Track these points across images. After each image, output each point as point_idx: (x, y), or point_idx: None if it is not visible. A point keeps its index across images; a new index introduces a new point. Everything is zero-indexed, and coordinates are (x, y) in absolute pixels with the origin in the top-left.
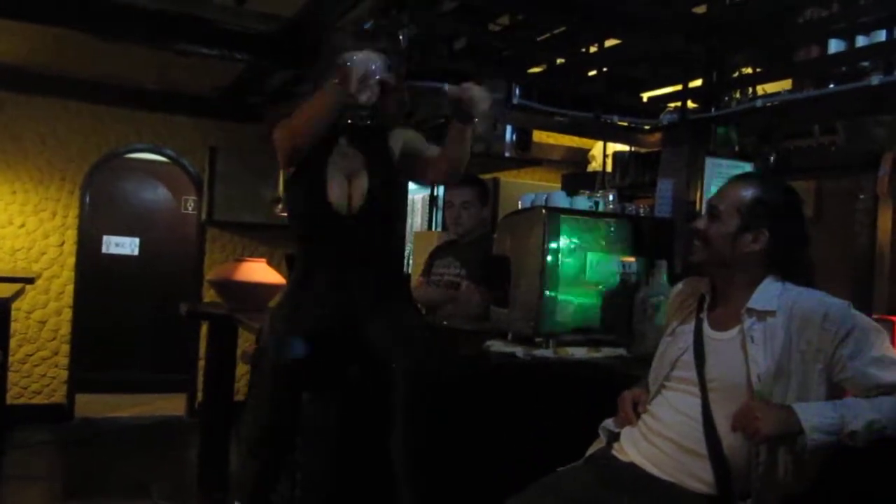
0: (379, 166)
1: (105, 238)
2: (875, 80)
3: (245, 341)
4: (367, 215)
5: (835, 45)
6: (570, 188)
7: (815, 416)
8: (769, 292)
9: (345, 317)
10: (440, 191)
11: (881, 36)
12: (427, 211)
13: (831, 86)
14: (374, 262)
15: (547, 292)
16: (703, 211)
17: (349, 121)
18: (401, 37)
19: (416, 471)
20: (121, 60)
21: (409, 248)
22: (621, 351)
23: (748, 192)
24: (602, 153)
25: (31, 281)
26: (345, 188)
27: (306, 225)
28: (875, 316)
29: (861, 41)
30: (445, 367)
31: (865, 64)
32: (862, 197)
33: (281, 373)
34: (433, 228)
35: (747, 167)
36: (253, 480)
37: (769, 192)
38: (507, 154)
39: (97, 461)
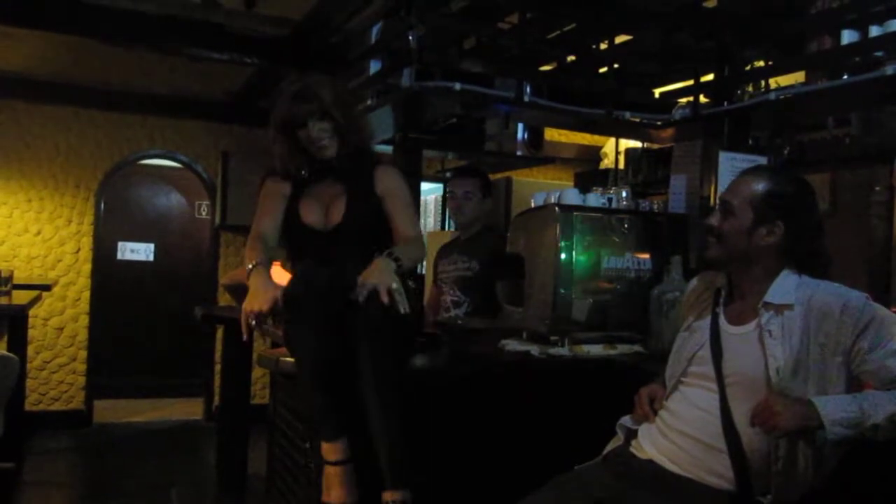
0: (359, 196)
1: (120, 244)
2: (889, 69)
3: (260, 344)
4: (345, 231)
5: (848, 36)
6: (583, 186)
7: (834, 409)
8: (786, 286)
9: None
10: None
11: (894, 26)
12: (440, 211)
13: (845, 77)
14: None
15: (561, 290)
16: (716, 206)
17: (334, 163)
18: (410, 38)
19: (382, 386)
20: (132, 67)
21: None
22: (637, 348)
23: (760, 186)
24: (614, 150)
25: (47, 288)
26: (321, 211)
27: (289, 242)
28: (893, 308)
29: (875, 31)
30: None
31: (879, 54)
32: (877, 189)
33: (317, 298)
34: (446, 228)
35: (761, 161)
36: (324, 412)
37: (781, 184)
38: (519, 153)
39: (116, 466)
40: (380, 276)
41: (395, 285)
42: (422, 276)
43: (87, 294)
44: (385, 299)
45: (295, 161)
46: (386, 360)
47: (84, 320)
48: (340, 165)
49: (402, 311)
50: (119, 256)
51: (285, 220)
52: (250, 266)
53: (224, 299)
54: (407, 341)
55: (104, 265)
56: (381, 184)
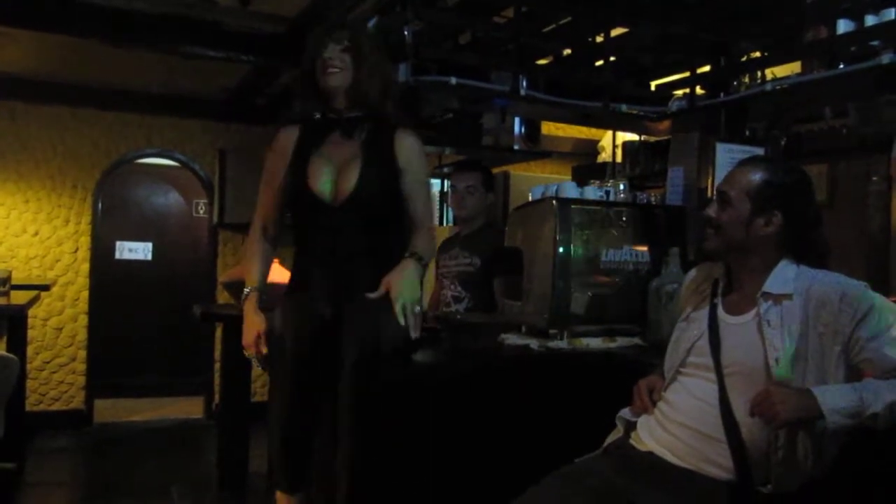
0: (375, 161)
1: (118, 244)
2: (885, 59)
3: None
4: (354, 207)
5: (843, 26)
6: (581, 179)
7: (834, 399)
8: (784, 275)
9: (335, 310)
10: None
11: (890, 14)
12: (438, 206)
13: (841, 67)
14: (361, 259)
15: (560, 283)
16: (714, 198)
17: (344, 115)
18: (405, 32)
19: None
20: (128, 66)
21: None
22: (636, 340)
23: (757, 176)
24: (612, 143)
25: (46, 288)
26: (330, 177)
27: (293, 214)
28: (892, 298)
29: (870, 20)
30: (392, 368)
31: (875, 43)
32: (875, 179)
33: (287, 374)
34: (444, 223)
35: (758, 152)
36: (283, 463)
37: (778, 173)
38: (516, 147)
39: (117, 465)
40: (410, 292)
41: (418, 308)
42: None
43: (85, 294)
44: (409, 322)
45: (310, 101)
46: (363, 441)
47: (83, 320)
48: (357, 122)
49: (414, 336)
50: (117, 256)
51: (291, 183)
52: (246, 290)
53: (223, 297)
54: (401, 353)
55: (102, 265)
56: (403, 154)
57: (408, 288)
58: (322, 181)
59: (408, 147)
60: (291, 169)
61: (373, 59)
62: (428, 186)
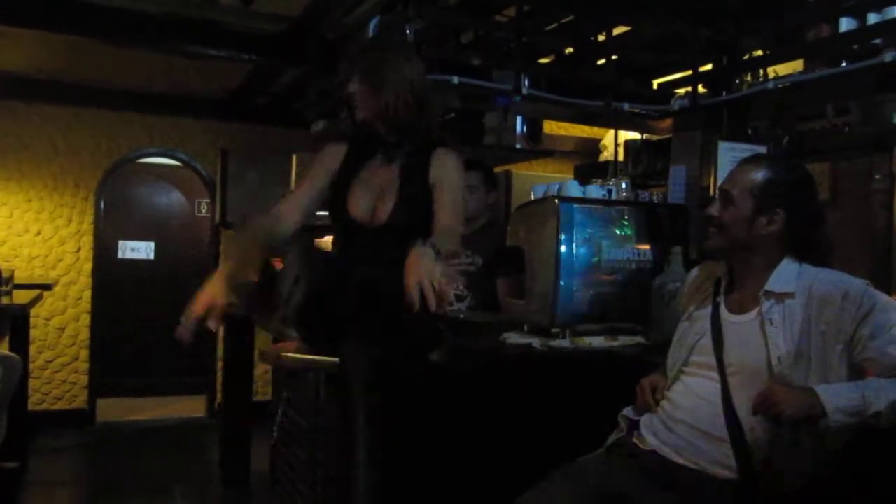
0: (411, 187)
1: (120, 243)
2: (888, 56)
3: (262, 342)
4: (390, 231)
5: (846, 24)
6: (583, 178)
7: (837, 397)
8: (787, 274)
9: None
10: None
11: (893, 12)
12: None
13: (843, 65)
14: (391, 268)
15: (562, 282)
16: (716, 196)
17: (384, 138)
18: (407, 31)
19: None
20: (129, 66)
21: None
22: (639, 339)
23: (759, 174)
24: (614, 142)
25: (48, 287)
26: (370, 202)
27: (334, 231)
28: (895, 296)
29: (872, 18)
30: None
31: (877, 41)
32: (877, 177)
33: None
34: None
35: (761, 150)
36: None
37: (780, 172)
38: (518, 145)
39: (120, 464)
40: (427, 269)
41: (439, 275)
42: None
43: (88, 293)
44: (427, 298)
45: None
46: (374, 453)
47: (86, 319)
48: (395, 143)
49: (451, 306)
50: (120, 255)
51: (332, 204)
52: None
53: None
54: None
55: (105, 264)
56: (435, 170)
57: (423, 266)
58: (361, 207)
59: (441, 164)
60: (333, 189)
61: (397, 79)
62: (459, 197)
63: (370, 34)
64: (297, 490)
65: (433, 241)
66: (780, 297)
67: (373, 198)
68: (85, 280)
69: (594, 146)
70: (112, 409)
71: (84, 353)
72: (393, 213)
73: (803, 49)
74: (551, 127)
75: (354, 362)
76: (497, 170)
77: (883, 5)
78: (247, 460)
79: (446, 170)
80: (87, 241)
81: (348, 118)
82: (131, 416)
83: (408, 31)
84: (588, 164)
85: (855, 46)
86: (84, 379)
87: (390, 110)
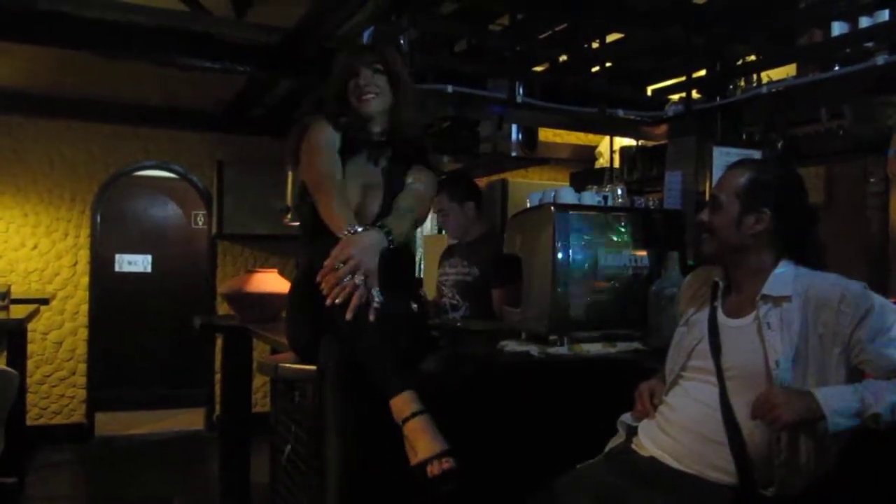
0: (398, 185)
1: (118, 256)
2: (880, 60)
3: (260, 353)
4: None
5: (838, 28)
6: (579, 185)
7: (835, 400)
8: (783, 277)
9: None
10: None
11: (884, 16)
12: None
13: (836, 68)
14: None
15: (559, 289)
16: (707, 202)
17: (373, 137)
18: (402, 41)
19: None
20: (124, 79)
21: (419, 252)
22: (637, 345)
23: (744, 176)
24: (609, 149)
25: (45, 302)
26: (357, 201)
27: (314, 222)
28: (892, 299)
29: (864, 22)
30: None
31: (869, 44)
32: (872, 180)
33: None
34: (443, 232)
35: (755, 155)
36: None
37: (765, 172)
38: (513, 153)
39: (119, 479)
40: (362, 252)
41: (360, 279)
42: (420, 281)
43: (85, 307)
44: (354, 292)
45: (338, 112)
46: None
47: (83, 333)
48: (382, 145)
49: (371, 317)
50: (117, 268)
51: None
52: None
53: (223, 308)
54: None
55: (102, 278)
56: (410, 178)
57: (358, 249)
58: (351, 202)
59: (417, 177)
60: None
61: (407, 78)
62: (423, 202)
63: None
64: (298, 501)
65: (386, 223)
66: (777, 300)
67: (360, 196)
68: (82, 294)
69: (590, 154)
70: (111, 424)
71: (82, 368)
72: (379, 215)
73: (796, 53)
74: (547, 135)
75: (325, 358)
76: (493, 178)
77: (874, 9)
78: (246, 473)
79: (420, 180)
80: (84, 254)
81: (356, 108)
82: (130, 430)
83: (402, 41)
84: (584, 171)
85: (847, 50)
86: (82, 393)
87: (402, 112)
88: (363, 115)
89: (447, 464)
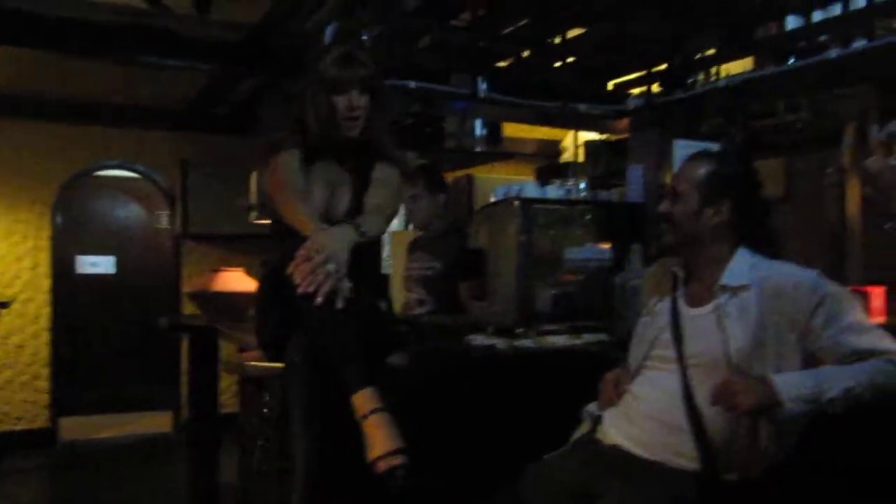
0: (363, 187)
1: (79, 258)
2: (833, 53)
3: (227, 352)
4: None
5: (792, 21)
6: (544, 180)
7: (792, 386)
8: (741, 267)
9: None
10: None
11: (837, 10)
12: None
13: (791, 61)
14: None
15: (525, 282)
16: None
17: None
18: (364, 37)
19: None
20: (86, 78)
21: (386, 249)
22: (602, 336)
23: (703, 169)
24: (573, 143)
25: (5, 305)
26: (325, 198)
27: (280, 225)
28: (850, 287)
29: (818, 16)
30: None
31: (824, 38)
32: (829, 171)
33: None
34: (408, 227)
35: (715, 147)
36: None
37: (724, 164)
38: (477, 149)
39: (85, 484)
40: (334, 243)
41: (330, 266)
42: (387, 277)
43: (47, 310)
44: (327, 279)
45: (331, 126)
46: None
47: (45, 337)
48: (354, 147)
49: (339, 305)
50: (79, 270)
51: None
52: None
53: (189, 309)
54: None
55: (64, 280)
56: (375, 174)
57: (328, 244)
58: (318, 202)
59: (381, 172)
60: None
61: (385, 91)
62: (392, 201)
63: (327, 40)
64: (267, 501)
65: (359, 221)
66: (735, 290)
67: (327, 195)
68: (43, 297)
69: (555, 148)
70: (75, 428)
71: (44, 372)
72: (348, 212)
73: (753, 46)
74: (513, 130)
75: (292, 354)
76: (458, 173)
77: (827, 3)
78: (215, 474)
79: (385, 176)
80: (45, 257)
81: (341, 127)
82: (95, 434)
83: (364, 37)
84: (549, 165)
85: (802, 43)
86: (45, 398)
87: (375, 124)
88: (347, 135)
89: (396, 461)
